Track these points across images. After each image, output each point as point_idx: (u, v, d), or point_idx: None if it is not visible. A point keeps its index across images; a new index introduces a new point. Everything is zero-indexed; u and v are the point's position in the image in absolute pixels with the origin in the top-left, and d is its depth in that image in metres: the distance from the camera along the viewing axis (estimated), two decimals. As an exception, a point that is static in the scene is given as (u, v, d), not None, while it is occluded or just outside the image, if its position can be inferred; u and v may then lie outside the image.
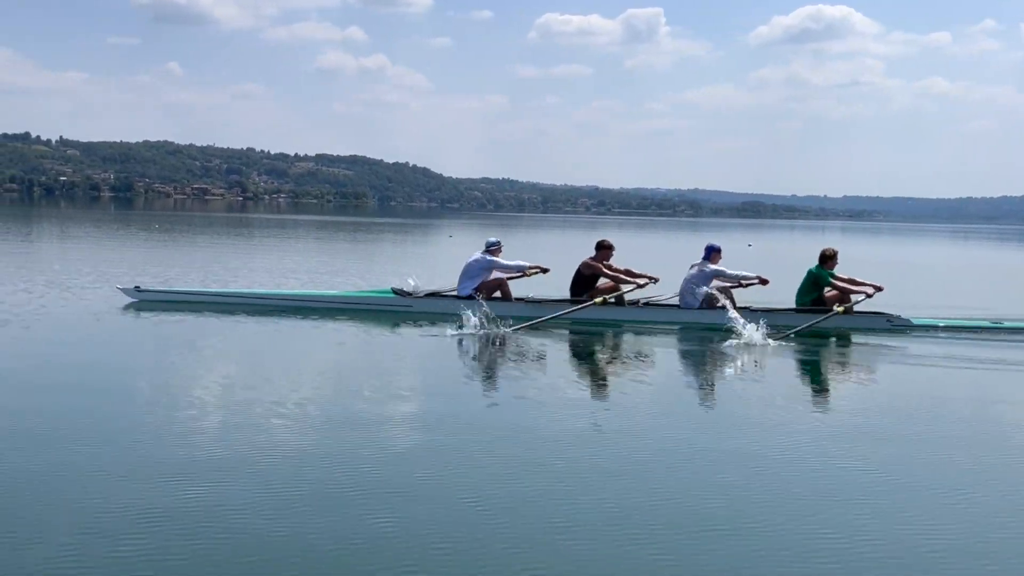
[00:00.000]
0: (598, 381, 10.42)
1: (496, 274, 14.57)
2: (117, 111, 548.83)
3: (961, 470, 6.76)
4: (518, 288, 14.84)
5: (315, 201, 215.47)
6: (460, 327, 12.24)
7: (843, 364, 12.31)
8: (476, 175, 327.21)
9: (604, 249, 14.66)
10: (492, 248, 14.83)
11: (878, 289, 14.02)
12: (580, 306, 13.87)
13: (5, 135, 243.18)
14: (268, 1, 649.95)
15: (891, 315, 14.08)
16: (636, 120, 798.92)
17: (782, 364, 11.47)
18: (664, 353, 12.35)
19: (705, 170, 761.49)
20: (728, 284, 14.29)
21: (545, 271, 14.85)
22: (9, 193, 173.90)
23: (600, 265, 14.50)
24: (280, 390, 8.74)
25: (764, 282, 14.48)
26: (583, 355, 12.33)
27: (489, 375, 10.37)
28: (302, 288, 17.28)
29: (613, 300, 14.08)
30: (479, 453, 6.81)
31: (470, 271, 14.57)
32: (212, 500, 5.61)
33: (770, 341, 12.14)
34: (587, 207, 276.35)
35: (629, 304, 14.47)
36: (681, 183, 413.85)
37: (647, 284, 14.47)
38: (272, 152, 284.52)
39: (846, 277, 14.21)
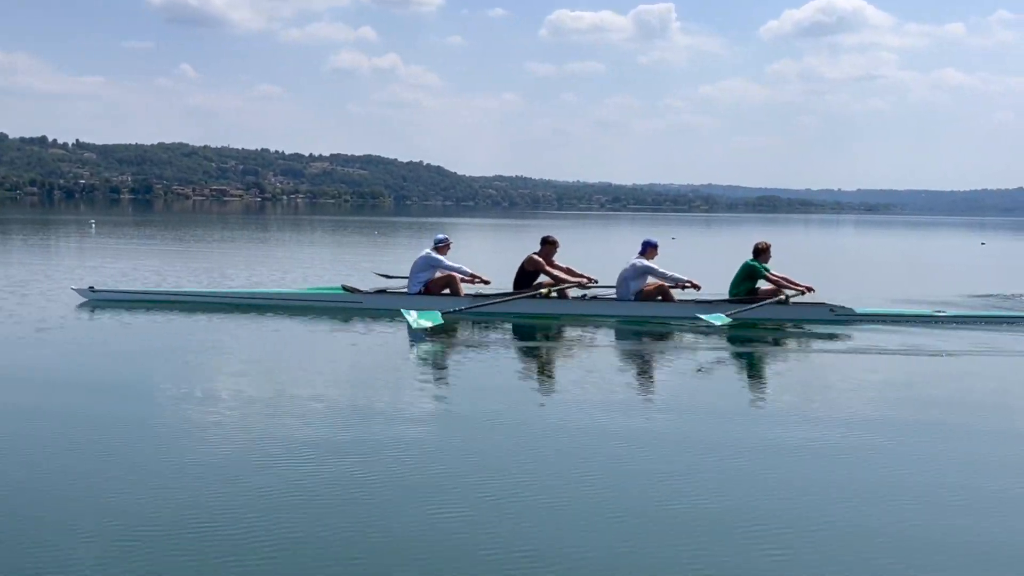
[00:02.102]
0: (545, 373, 10.40)
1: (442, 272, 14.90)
2: (132, 114, 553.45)
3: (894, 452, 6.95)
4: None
5: (333, 201, 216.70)
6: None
7: (786, 353, 12.25)
8: (490, 173, 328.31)
9: (548, 245, 14.79)
10: (440, 245, 14.87)
11: (809, 290, 14.16)
12: (525, 294, 14.14)
13: (22, 139, 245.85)
14: (281, 2, 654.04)
15: (833, 305, 14.23)
16: (653, 116, 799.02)
17: (725, 354, 11.83)
18: (608, 346, 12.46)
19: (719, 165, 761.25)
20: (662, 282, 14.44)
21: (486, 283, 14.83)
22: (30, 196, 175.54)
23: (542, 261, 14.62)
24: (222, 387, 8.88)
25: (697, 287, 14.37)
26: (528, 348, 12.29)
27: (433, 369, 10.49)
28: (255, 287, 17.36)
29: (555, 294, 14.29)
30: (431, 445, 6.98)
31: (415, 267, 14.74)
32: (149, 498, 5.63)
33: (719, 323, 12.67)
34: (602, 204, 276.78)
35: (573, 298, 14.56)
36: (695, 178, 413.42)
37: (587, 284, 14.66)
38: (287, 152, 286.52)
39: (780, 275, 14.39)
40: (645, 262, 14.38)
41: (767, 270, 14.33)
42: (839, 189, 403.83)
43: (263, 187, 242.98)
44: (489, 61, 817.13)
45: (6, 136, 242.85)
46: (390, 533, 5.18)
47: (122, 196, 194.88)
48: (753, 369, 11.02)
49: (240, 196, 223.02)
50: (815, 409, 8.50)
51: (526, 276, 14.62)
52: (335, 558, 4.86)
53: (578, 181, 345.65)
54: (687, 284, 14.32)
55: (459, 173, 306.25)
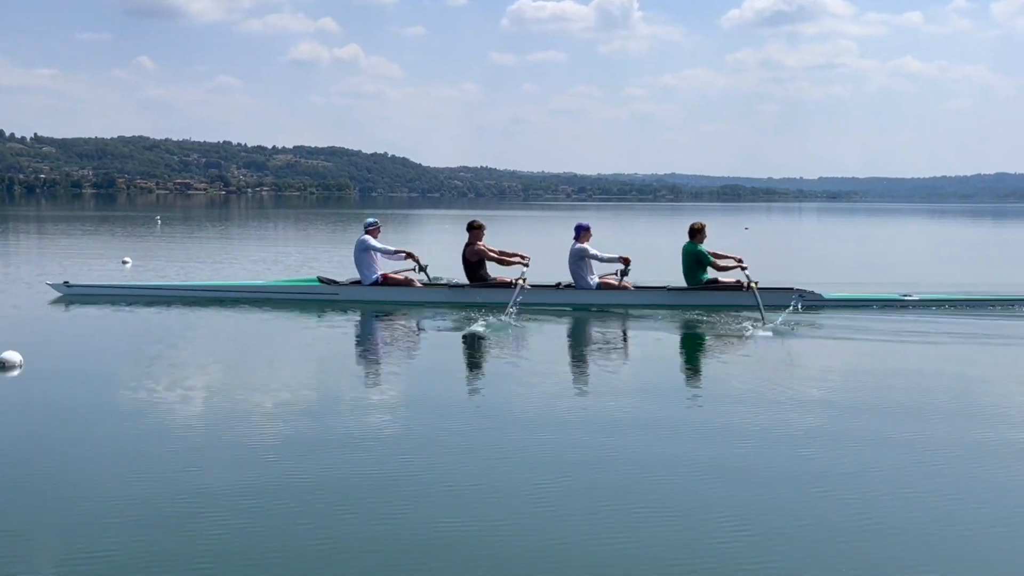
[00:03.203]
0: (529, 364, 10.38)
1: (392, 263, 15.07)
2: (90, 107, 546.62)
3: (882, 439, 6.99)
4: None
5: (298, 194, 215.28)
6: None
7: (755, 339, 11.82)
8: (455, 164, 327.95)
9: (475, 229, 14.85)
10: (370, 228, 15.00)
11: (739, 261, 14.44)
12: (518, 290, 13.52)
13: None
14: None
15: (803, 291, 14.35)
16: (614, 106, 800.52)
17: (693, 342, 11.90)
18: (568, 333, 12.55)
19: (682, 155, 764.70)
20: (597, 262, 14.64)
21: (416, 260, 14.85)
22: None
23: (482, 247, 14.67)
24: (206, 379, 8.97)
25: (626, 261, 14.52)
26: (520, 339, 11.90)
27: (408, 361, 10.58)
28: (233, 279, 17.44)
29: (527, 281, 14.07)
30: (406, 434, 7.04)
31: (356, 257, 14.85)
32: (126, 494, 5.63)
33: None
34: (568, 194, 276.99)
35: (542, 287, 14.52)
36: (659, 168, 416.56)
37: (520, 263, 14.57)
38: (249, 145, 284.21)
39: (715, 252, 14.62)
40: (580, 245, 14.63)
41: (710, 253, 14.52)
42: (801, 178, 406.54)
43: (227, 180, 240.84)
44: (450, 52, 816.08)
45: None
46: (371, 525, 5.24)
47: (84, 191, 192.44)
48: (722, 356, 10.91)
49: (204, 189, 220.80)
50: (787, 395, 8.57)
51: (471, 267, 14.73)
52: (315, 549, 4.89)
53: (542, 171, 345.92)
54: (617, 261, 14.59)
55: (424, 164, 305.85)
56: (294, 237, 38.30)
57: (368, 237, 14.83)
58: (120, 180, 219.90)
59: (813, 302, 14.16)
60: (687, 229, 14.82)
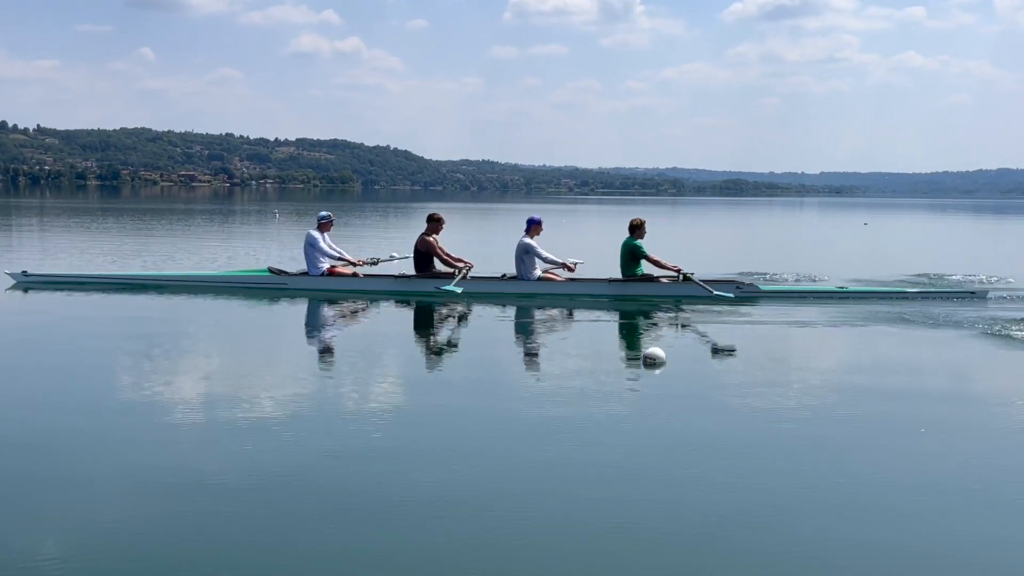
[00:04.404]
0: (464, 354, 10.44)
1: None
2: (92, 99, 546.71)
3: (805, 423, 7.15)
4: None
5: (301, 186, 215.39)
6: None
7: (701, 330, 11.94)
8: (456, 157, 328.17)
9: (434, 222, 15.05)
10: (322, 222, 15.27)
11: (678, 270, 14.46)
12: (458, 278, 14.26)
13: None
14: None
15: (740, 282, 14.72)
16: (615, 99, 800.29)
17: (633, 332, 12.01)
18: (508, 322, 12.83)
19: (684, 148, 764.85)
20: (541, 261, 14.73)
21: (353, 263, 15.20)
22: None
23: (433, 240, 14.85)
24: (155, 368, 8.95)
25: (570, 268, 14.77)
26: (467, 331, 12.27)
27: (355, 350, 10.55)
28: (182, 269, 17.52)
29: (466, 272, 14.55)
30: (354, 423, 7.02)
31: (304, 248, 15.19)
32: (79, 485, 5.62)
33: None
34: (570, 187, 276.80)
35: (489, 279, 14.87)
36: (660, 162, 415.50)
37: (462, 268, 14.62)
38: (252, 137, 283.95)
39: (655, 257, 14.61)
40: (527, 241, 14.83)
41: (644, 249, 14.70)
42: (803, 172, 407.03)
43: (231, 172, 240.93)
44: (452, 45, 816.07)
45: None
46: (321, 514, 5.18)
47: (89, 182, 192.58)
48: (657, 340, 10.85)
49: (209, 182, 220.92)
50: (722, 386, 8.60)
51: (420, 257, 14.93)
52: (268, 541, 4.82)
53: (544, 165, 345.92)
54: (559, 265, 14.83)
55: (426, 157, 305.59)
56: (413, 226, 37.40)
57: (316, 234, 15.15)
58: (124, 172, 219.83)
59: (751, 294, 14.38)
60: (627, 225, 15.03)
